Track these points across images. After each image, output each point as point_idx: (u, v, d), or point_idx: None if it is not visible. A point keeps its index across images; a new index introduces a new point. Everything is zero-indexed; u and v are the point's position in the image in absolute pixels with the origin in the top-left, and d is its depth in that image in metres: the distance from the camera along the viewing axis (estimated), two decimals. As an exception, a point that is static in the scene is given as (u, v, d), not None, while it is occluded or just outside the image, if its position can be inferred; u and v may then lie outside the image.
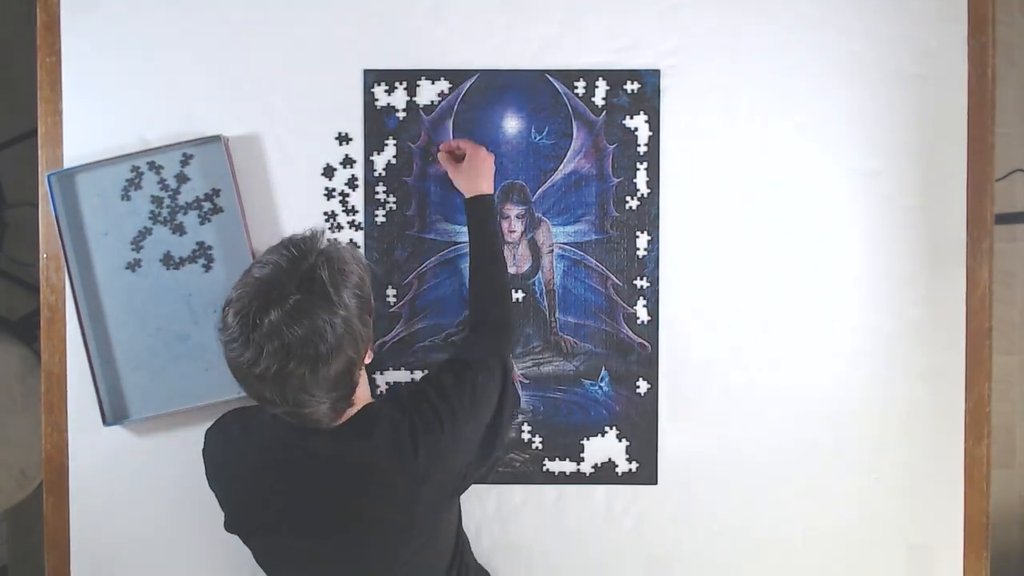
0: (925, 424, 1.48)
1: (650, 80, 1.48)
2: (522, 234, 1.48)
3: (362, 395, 1.19)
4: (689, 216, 1.48)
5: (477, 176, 1.41)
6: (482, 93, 1.47)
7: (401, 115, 1.47)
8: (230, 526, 1.25)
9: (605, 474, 1.48)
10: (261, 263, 1.10)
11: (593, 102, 1.48)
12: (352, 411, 1.18)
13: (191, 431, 1.46)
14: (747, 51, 1.47)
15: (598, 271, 1.48)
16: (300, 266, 1.08)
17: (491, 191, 1.42)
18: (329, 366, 1.07)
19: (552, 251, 1.48)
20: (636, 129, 1.48)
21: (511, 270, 1.48)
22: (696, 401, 1.48)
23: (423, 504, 1.18)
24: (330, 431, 1.16)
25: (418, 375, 1.47)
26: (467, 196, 1.41)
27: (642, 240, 1.48)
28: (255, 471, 1.20)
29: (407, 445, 1.17)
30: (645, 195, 1.48)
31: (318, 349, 1.05)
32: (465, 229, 1.46)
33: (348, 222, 1.48)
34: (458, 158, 1.44)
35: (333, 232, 1.47)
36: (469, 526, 1.46)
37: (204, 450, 1.27)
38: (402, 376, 1.48)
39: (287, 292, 1.06)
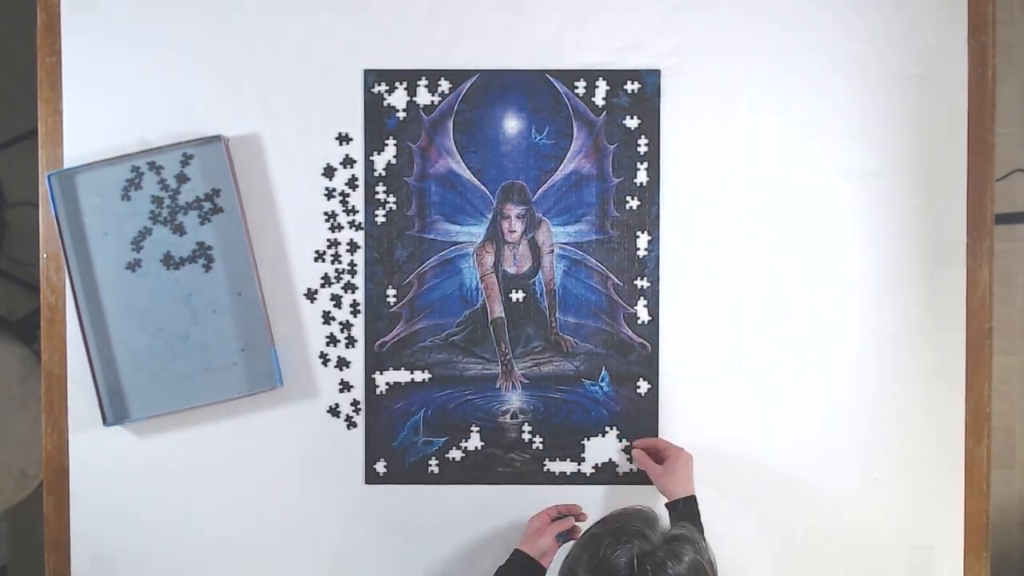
0: (925, 424, 1.48)
1: (650, 80, 1.48)
2: (522, 234, 1.48)
3: None
4: (689, 216, 1.48)
5: (684, 480, 1.39)
6: (482, 93, 1.47)
7: (401, 115, 1.47)
8: None
9: (605, 474, 1.48)
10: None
11: (593, 102, 1.48)
12: None
13: (191, 431, 1.47)
14: (747, 51, 1.47)
15: (598, 271, 1.48)
16: None
17: (693, 492, 1.38)
18: None
19: (552, 251, 1.48)
20: (636, 129, 1.48)
21: (511, 270, 1.48)
22: (696, 401, 1.48)
23: None
24: None
25: (418, 375, 1.48)
26: (669, 500, 1.37)
27: (642, 240, 1.48)
28: None
29: None
30: (645, 195, 1.48)
31: None
32: (467, 229, 1.46)
33: (348, 222, 1.48)
34: (657, 459, 1.42)
35: (334, 232, 1.47)
36: (470, 526, 1.47)
37: None
38: (402, 376, 1.48)
39: None
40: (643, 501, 1.47)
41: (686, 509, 1.36)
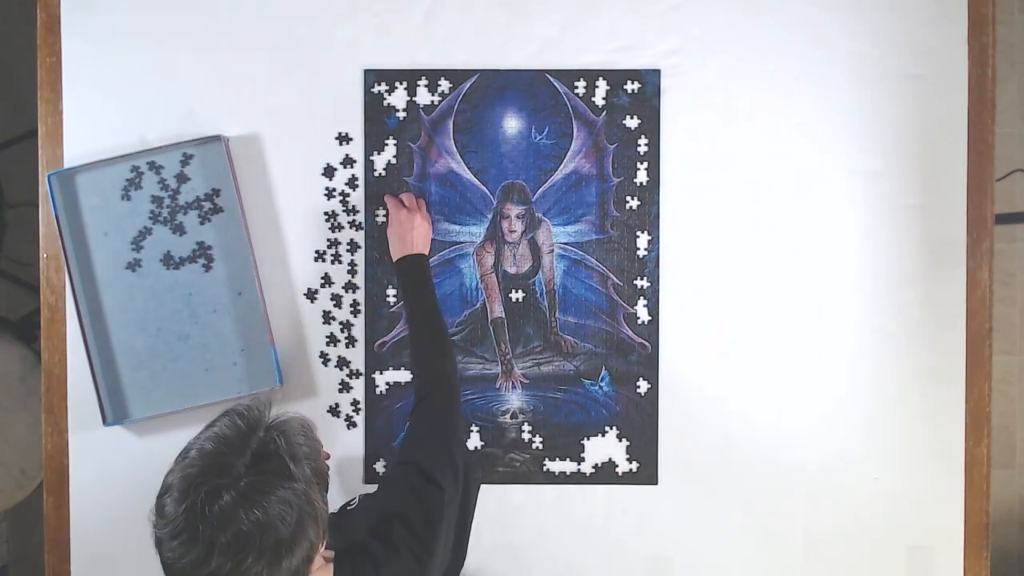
0: (925, 424, 1.48)
1: (650, 80, 1.48)
2: (522, 234, 1.48)
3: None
4: (689, 216, 1.48)
5: (410, 234, 1.41)
6: (482, 93, 1.47)
7: (401, 115, 1.47)
8: None
9: (605, 474, 1.48)
10: (202, 440, 0.96)
11: (593, 102, 1.48)
12: None
13: (191, 431, 1.46)
14: (747, 51, 1.47)
15: (598, 271, 1.48)
16: (250, 440, 0.95)
17: (426, 251, 1.42)
18: (292, 556, 0.92)
19: (552, 251, 1.48)
20: (636, 129, 1.48)
21: (511, 270, 1.48)
22: (696, 401, 1.48)
23: None
24: None
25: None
26: (397, 257, 1.40)
27: (642, 240, 1.48)
28: None
29: None
30: (645, 195, 1.48)
31: (279, 535, 0.90)
32: (467, 229, 1.47)
33: (348, 222, 1.48)
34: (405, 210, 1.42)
35: (334, 232, 1.47)
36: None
37: None
38: (402, 376, 1.48)
39: (238, 471, 0.92)
40: (645, 503, 1.48)
41: (411, 265, 1.39)
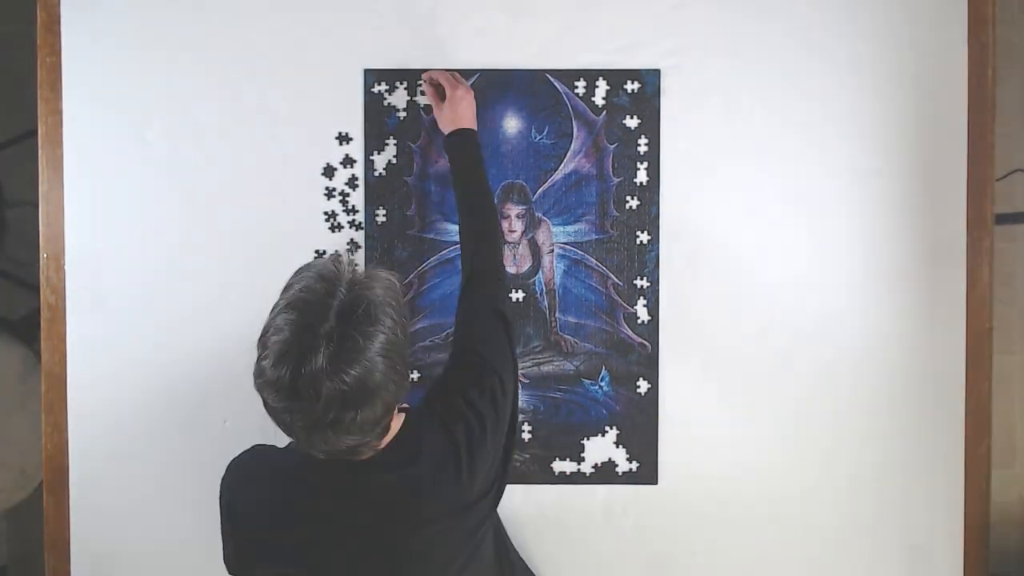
0: (925, 424, 1.48)
1: (650, 80, 1.48)
2: (522, 234, 1.48)
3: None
4: (689, 216, 1.48)
5: (462, 116, 1.39)
6: (482, 93, 1.47)
7: (401, 115, 1.47)
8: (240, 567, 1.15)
9: (605, 474, 1.48)
10: (289, 304, 1.00)
11: (593, 102, 1.48)
12: (390, 435, 1.10)
13: (191, 435, 1.47)
14: (747, 51, 1.47)
15: (598, 271, 1.48)
16: (331, 300, 1.00)
17: (471, 126, 1.39)
18: (388, 394, 1.00)
19: (552, 251, 1.48)
20: (636, 129, 1.48)
21: (511, 270, 1.48)
22: (696, 401, 1.48)
23: (470, 519, 1.15)
24: (376, 463, 1.09)
25: (418, 375, 1.48)
26: (448, 131, 1.38)
27: (642, 240, 1.48)
28: (301, 519, 1.10)
29: (451, 464, 1.12)
30: (645, 195, 1.48)
31: (374, 383, 0.98)
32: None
33: (348, 222, 1.48)
34: (441, 95, 1.41)
35: (334, 232, 1.47)
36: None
37: (224, 501, 1.16)
38: (402, 376, 1.47)
39: (327, 331, 0.97)
40: (645, 503, 1.48)
41: (459, 140, 1.37)
